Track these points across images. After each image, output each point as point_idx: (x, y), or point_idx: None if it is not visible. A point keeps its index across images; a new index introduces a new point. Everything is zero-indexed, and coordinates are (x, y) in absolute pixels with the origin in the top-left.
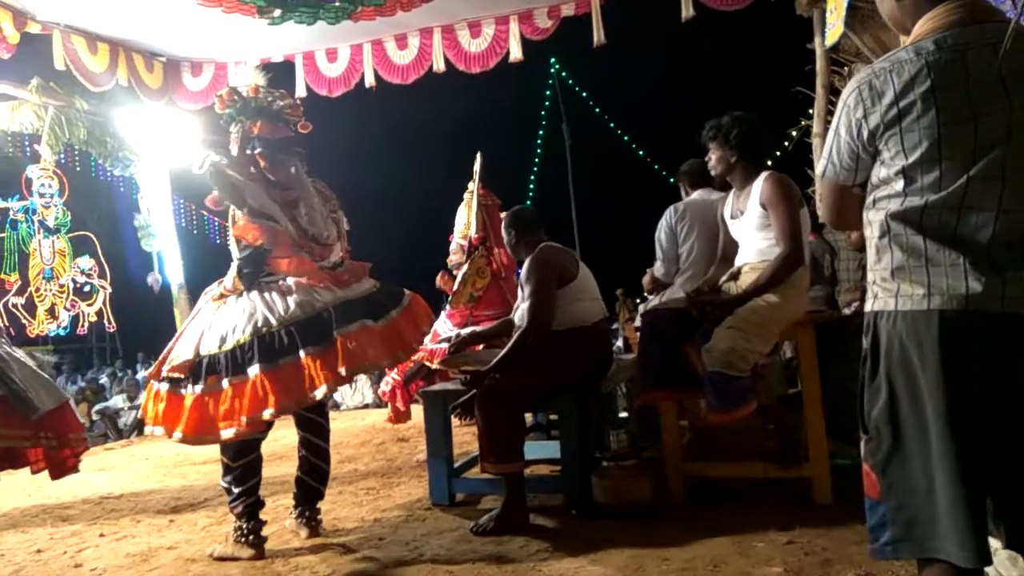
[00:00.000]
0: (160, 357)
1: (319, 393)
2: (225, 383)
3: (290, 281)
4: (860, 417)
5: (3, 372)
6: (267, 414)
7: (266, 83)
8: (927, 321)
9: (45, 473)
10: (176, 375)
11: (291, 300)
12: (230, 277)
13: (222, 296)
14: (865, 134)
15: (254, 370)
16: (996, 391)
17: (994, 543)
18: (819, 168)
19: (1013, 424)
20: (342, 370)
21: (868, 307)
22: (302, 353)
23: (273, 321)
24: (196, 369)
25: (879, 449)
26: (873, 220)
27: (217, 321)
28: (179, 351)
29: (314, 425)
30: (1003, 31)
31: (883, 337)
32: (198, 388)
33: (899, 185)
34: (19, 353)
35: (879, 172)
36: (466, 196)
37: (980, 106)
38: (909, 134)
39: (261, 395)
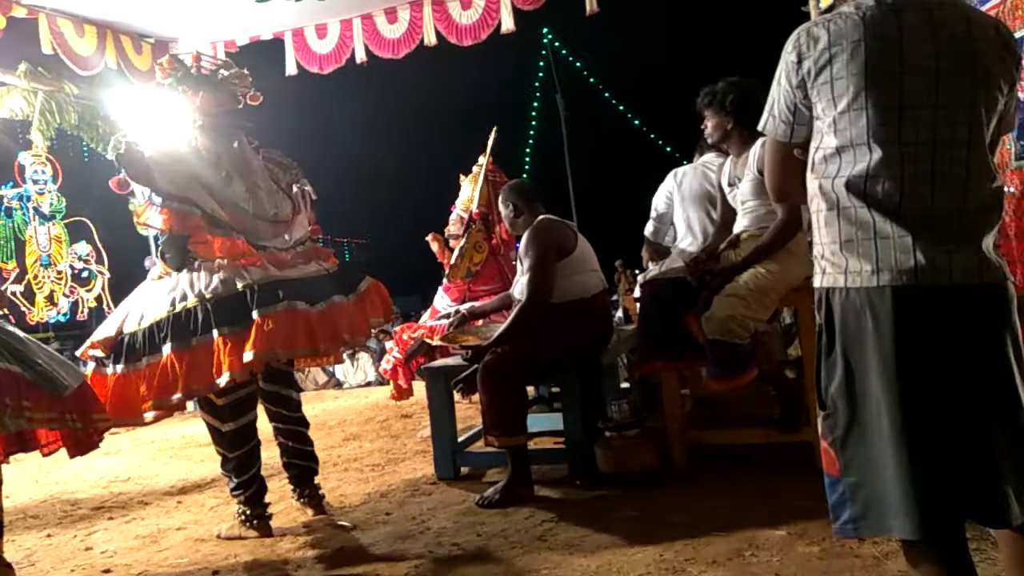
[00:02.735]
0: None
1: (223, 380)
2: (144, 362)
3: (225, 261)
4: (818, 392)
5: (25, 355)
6: (174, 399)
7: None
8: (880, 296)
9: (53, 458)
10: (96, 352)
11: (216, 277)
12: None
13: (160, 277)
14: (796, 79)
15: (167, 349)
16: (954, 362)
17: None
18: (760, 122)
19: (973, 396)
20: (248, 355)
21: (817, 282)
22: (215, 333)
23: (191, 297)
24: (117, 347)
25: (837, 425)
26: (818, 191)
27: (143, 299)
28: (103, 329)
29: (281, 399)
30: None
31: (837, 311)
32: (119, 367)
33: (832, 141)
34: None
35: (815, 132)
36: (475, 169)
37: (910, 65)
38: (838, 81)
39: (171, 377)
